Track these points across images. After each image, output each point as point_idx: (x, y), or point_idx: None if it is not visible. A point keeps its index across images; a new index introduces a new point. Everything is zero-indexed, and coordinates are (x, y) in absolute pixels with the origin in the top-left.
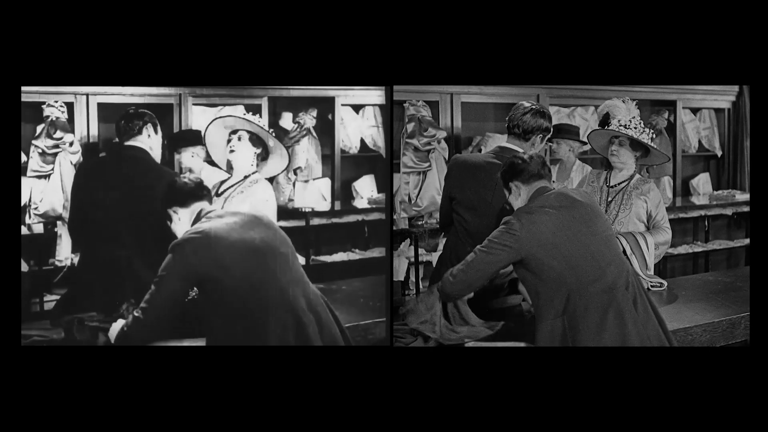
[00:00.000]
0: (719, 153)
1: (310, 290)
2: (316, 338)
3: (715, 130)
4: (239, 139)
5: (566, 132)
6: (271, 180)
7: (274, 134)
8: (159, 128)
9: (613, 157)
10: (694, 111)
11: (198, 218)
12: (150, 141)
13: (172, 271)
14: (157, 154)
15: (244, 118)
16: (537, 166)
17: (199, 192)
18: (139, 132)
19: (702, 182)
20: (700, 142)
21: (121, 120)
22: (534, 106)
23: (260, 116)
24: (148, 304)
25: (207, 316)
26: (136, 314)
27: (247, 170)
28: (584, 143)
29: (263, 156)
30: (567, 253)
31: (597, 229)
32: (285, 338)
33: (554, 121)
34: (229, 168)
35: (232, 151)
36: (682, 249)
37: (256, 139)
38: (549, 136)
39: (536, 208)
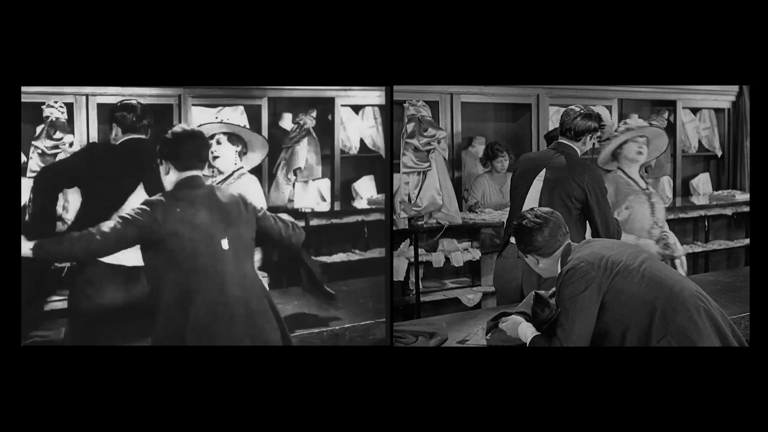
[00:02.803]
0: (719, 153)
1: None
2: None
3: (715, 130)
4: (218, 143)
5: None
6: (256, 170)
7: (247, 126)
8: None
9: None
10: (694, 111)
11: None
12: None
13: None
14: None
15: (216, 122)
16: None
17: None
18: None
19: (702, 182)
20: (700, 142)
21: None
22: (582, 110)
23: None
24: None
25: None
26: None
27: (232, 167)
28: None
29: (244, 151)
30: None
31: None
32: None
33: (555, 123)
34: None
35: (216, 157)
36: (682, 249)
37: (234, 138)
38: (598, 134)
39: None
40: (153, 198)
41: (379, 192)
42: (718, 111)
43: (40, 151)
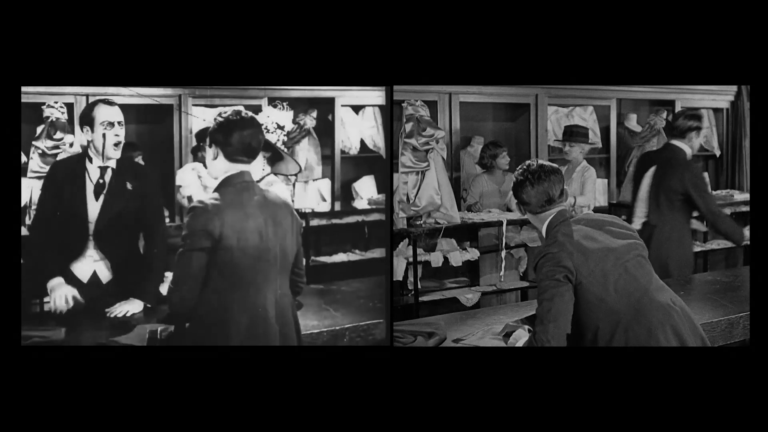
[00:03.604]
0: (718, 153)
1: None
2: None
3: (714, 130)
4: None
5: (578, 135)
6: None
7: (286, 152)
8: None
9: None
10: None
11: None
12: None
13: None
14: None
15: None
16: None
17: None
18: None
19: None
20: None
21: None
22: (687, 111)
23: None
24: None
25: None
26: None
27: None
28: (593, 144)
29: (273, 159)
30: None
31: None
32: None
33: (565, 123)
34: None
35: None
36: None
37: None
38: (703, 131)
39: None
40: (198, 206)
41: (379, 192)
42: (716, 111)
43: (40, 151)
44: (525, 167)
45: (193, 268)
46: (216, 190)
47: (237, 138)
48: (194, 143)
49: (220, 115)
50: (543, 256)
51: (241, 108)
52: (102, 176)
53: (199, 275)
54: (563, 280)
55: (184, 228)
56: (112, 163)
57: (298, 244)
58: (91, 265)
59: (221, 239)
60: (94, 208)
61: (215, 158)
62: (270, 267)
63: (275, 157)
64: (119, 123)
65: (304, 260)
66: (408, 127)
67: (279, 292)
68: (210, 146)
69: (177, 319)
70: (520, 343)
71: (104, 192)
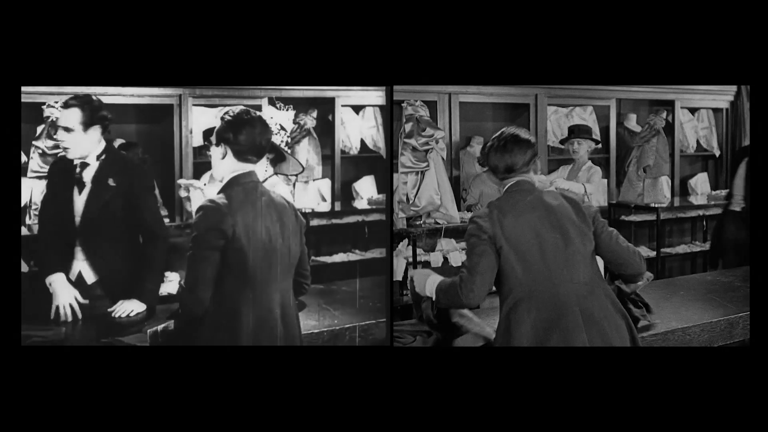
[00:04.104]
0: (717, 153)
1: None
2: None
3: (714, 130)
4: None
5: (585, 132)
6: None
7: (290, 152)
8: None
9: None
10: (693, 111)
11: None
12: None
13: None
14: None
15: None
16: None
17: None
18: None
19: (700, 182)
20: (698, 141)
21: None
22: None
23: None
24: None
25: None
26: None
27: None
28: (598, 142)
29: (276, 160)
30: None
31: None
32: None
33: (564, 122)
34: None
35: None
36: (681, 249)
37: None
38: None
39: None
40: (209, 205)
41: (379, 192)
42: (716, 111)
43: (40, 151)
44: (499, 133)
45: (208, 269)
46: (222, 190)
47: (246, 137)
48: (197, 142)
49: (227, 113)
50: (472, 219)
51: (250, 109)
52: (81, 171)
53: (213, 276)
54: (488, 242)
55: (194, 228)
56: (90, 159)
57: (302, 244)
58: (77, 264)
59: (233, 239)
60: (79, 205)
61: (223, 157)
62: (276, 267)
63: (278, 157)
64: (65, 129)
65: (309, 260)
66: (408, 127)
67: (284, 292)
68: (217, 145)
69: (188, 321)
70: (428, 289)
71: (86, 188)
